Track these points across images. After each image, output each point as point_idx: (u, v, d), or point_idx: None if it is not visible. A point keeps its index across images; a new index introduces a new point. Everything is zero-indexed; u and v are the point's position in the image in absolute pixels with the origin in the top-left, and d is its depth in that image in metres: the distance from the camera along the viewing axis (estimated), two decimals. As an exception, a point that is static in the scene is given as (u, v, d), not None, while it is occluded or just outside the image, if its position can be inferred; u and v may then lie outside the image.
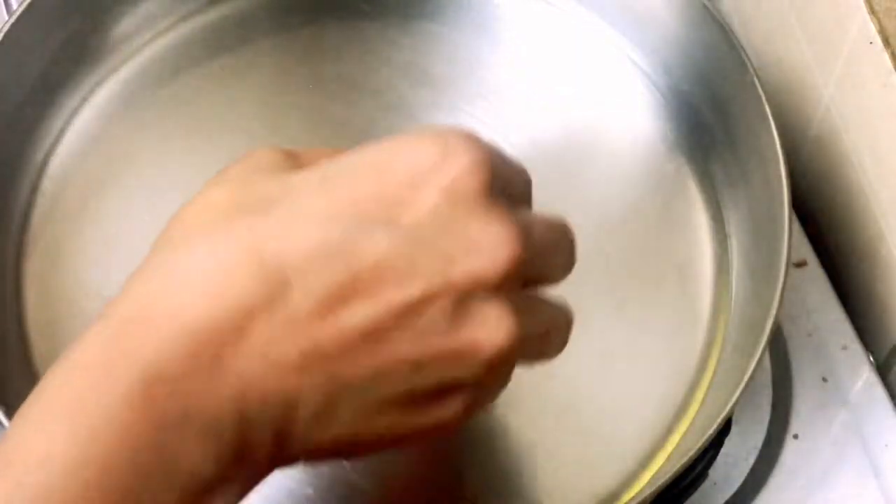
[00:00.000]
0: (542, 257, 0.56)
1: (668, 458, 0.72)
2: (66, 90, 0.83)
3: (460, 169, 0.50)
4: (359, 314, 0.49)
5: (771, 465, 0.76)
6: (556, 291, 0.78)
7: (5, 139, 0.79)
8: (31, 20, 0.78)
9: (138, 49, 0.86)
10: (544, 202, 0.83)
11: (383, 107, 0.84)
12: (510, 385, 0.75)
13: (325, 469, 0.72)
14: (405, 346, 0.50)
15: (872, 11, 0.73)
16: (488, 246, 0.50)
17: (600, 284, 0.78)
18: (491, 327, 0.51)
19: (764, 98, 0.75)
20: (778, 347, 0.79)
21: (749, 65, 0.76)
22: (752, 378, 0.68)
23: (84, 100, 0.84)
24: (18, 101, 0.80)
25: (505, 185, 0.53)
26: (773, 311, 0.69)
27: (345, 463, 0.72)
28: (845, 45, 0.77)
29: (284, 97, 0.84)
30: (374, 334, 0.49)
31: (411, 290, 0.49)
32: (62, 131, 0.83)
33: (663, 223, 0.80)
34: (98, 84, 0.84)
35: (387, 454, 0.71)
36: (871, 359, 0.80)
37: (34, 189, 0.80)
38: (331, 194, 0.51)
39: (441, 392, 0.52)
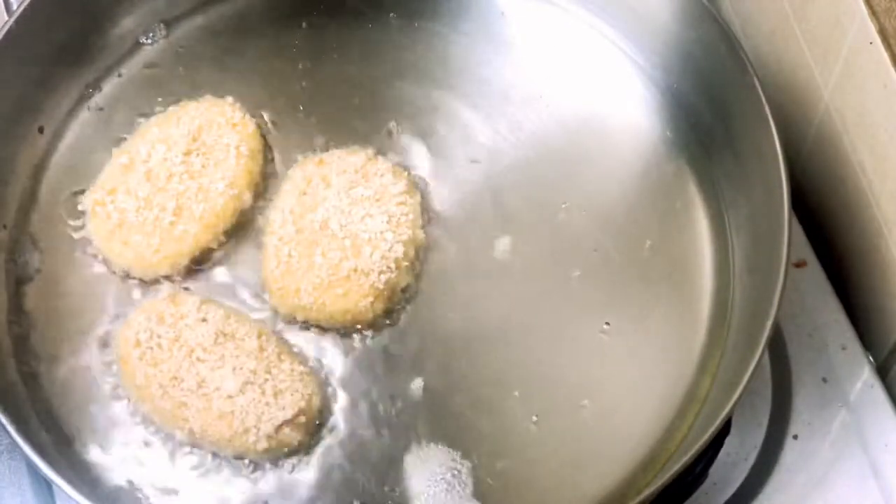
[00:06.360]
0: None
1: (668, 459, 0.72)
2: (66, 90, 0.83)
3: None
4: None
5: (771, 465, 0.76)
6: (558, 292, 0.79)
7: (5, 139, 0.79)
8: (31, 20, 0.79)
9: (138, 49, 0.86)
10: (544, 202, 0.84)
11: (383, 107, 0.84)
12: (510, 387, 0.76)
13: (330, 469, 0.72)
14: None
15: (872, 12, 0.73)
16: None
17: (601, 284, 0.78)
18: None
19: (764, 98, 0.75)
20: (778, 347, 0.79)
21: (749, 65, 0.76)
22: (751, 378, 0.68)
23: (84, 100, 0.84)
24: (18, 101, 0.80)
25: None
26: (773, 311, 0.69)
27: (347, 464, 0.72)
28: (845, 45, 0.77)
29: (284, 97, 0.84)
30: None
31: None
32: (62, 131, 0.83)
33: (663, 223, 0.80)
34: (98, 84, 0.84)
35: (395, 463, 0.72)
36: (871, 359, 0.80)
37: (34, 188, 0.80)
38: None
39: None
